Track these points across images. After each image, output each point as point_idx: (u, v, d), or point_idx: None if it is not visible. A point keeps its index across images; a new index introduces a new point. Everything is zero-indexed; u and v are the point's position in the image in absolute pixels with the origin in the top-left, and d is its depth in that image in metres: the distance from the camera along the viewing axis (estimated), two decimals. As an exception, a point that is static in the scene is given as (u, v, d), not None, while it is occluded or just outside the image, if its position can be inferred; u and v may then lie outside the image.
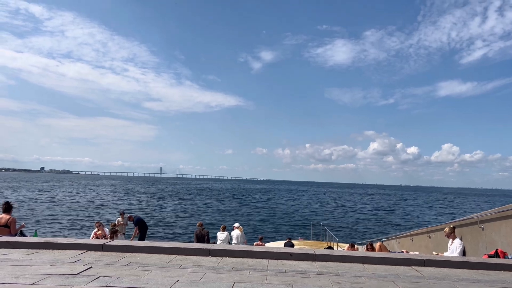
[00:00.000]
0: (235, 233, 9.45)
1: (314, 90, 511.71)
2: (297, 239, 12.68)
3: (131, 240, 9.48)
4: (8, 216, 5.65)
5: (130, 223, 10.11)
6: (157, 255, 4.55)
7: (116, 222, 10.19)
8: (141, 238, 9.68)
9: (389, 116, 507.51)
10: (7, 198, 31.09)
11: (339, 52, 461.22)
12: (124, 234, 9.79)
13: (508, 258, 4.50)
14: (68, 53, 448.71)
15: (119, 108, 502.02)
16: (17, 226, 5.84)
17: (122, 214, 10.78)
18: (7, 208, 5.71)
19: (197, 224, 9.08)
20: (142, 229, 9.74)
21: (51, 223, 19.98)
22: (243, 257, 4.35)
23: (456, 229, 5.73)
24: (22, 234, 6.44)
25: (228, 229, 9.82)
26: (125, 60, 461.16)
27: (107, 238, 8.19)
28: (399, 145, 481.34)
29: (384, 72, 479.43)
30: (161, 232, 18.67)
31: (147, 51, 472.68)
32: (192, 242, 8.81)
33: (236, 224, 9.80)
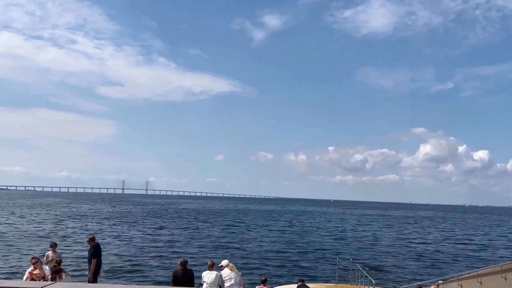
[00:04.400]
0: (227, 273, 9.39)
1: (340, 70, 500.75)
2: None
3: (91, 274, 10.46)
4: None
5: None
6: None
7: (45, 258, 10.29)
8: (97, 267, 10.67)
9: (447, 107, 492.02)
10: None
11: (376, 15, 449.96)
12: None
13: None
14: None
15: (63, 95, 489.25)
16: None
17: (53, 246, 11.21)
18: None
19: (179, 263, 9.16)
20: (99, 259, 10.83)
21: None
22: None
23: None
24: None
25: (218, 267, 9.59)
26: (72, 28, 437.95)
27: (46, 280, 8.18)
28: (461, 148, 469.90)
29: (440, 44, 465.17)
30: (124, 272, 18.63)
31: (102, 15, 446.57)
32: (169, 286, 8.92)
33: (224, 262, 9.69)
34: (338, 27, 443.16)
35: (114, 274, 17.85)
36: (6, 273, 17.01)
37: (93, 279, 10.59)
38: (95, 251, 10.86)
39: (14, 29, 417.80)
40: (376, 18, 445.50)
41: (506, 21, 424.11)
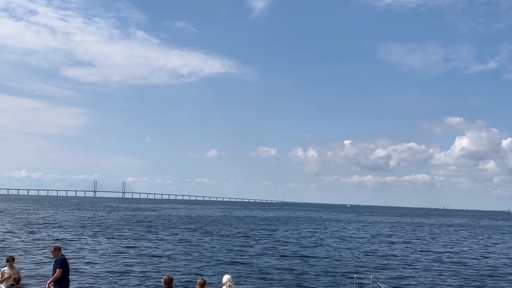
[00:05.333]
0: None
1: (358, 47, 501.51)
2: None
3: (49, 284, 10.98)
4: None
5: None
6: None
7: (1, 275, 10.96)
8: (66, 285, 11.17)
9: (488, 91, 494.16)
10: None
11: None
12: None
13: None
14: None
15: (21, 78, 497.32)
16: None
17: (10, 260, 11.66)
18: None
19: (163, 280, 9.37)
20: (66, 272, 11.31)
21: None
22: None
23: None
24: None
25: (214, 287, 9.63)
26: None
27: None
28: (506, 142, 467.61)
29: (480, 15, 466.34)
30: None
31: None
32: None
33: (226, 278, 9.89)
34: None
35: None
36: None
37: None
38: (62, 261, 11.01)
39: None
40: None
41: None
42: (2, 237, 36.86)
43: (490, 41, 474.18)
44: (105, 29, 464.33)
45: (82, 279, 20.62)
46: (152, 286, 18.92)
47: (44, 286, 11.51)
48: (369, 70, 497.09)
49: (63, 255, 11.63)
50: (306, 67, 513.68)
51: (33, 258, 26.17)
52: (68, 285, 11.38)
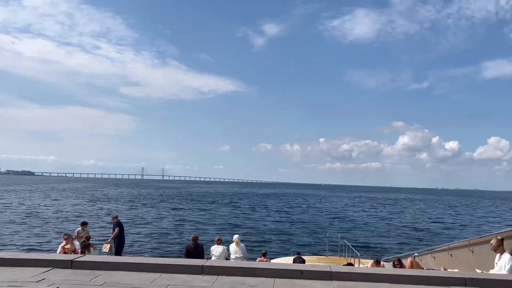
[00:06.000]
0: (232, 246, 9.61)
1: (330, 72, 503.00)
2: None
3: (109, 241, 10.99)
4: None
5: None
6: (139, 273, 4.43)
7: (76, 234, 10.35)
8: (121, 243, 11.07)
9: (422, 103, 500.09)
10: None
11: (361, 24, 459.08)
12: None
13: None
14: (26, 26, 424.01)
15: (89, 94, 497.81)
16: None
17: (84, 224, 11.25)
18: None
19: (191, 238, 9.21)
20: (121, 231, 11.13)
21: (8, 236, 19.93)
22: (243, 276, 4.23)
23: (505, 242, 5.70)
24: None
25: (228, 242, 9.70)
26: (97, 35, 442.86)
27: (77, 253, 8.23)
28: (435, 139, 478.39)
29: (416, 49, 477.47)
30: (144, 247, 18.82)
31: (123, 24, 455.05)
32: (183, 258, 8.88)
33: (235, 237, 9.91)
34: (328, 34, 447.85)
35: (136, 249, 18.00)
36: (42, 248, 17.19)
37: (116, 253, 10.74)
38: (118, 223, 11.20)
39: (47, 37, 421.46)
40: (361, 27, 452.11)
41: (473, 29, 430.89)
42: (76, 207, 37.13)
43: (423, 67, 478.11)
44: (149, 59, 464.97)
45: (133, 238, 20.65)
46: (182, 242, 19.00)
47: (106, 243, 11.40)
48: (339, 88, 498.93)
49: (119, 220, 11.69)
50: (293, 86, 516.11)
51: (98, 223, 26.34)
52: (123, 241, 11.39)
